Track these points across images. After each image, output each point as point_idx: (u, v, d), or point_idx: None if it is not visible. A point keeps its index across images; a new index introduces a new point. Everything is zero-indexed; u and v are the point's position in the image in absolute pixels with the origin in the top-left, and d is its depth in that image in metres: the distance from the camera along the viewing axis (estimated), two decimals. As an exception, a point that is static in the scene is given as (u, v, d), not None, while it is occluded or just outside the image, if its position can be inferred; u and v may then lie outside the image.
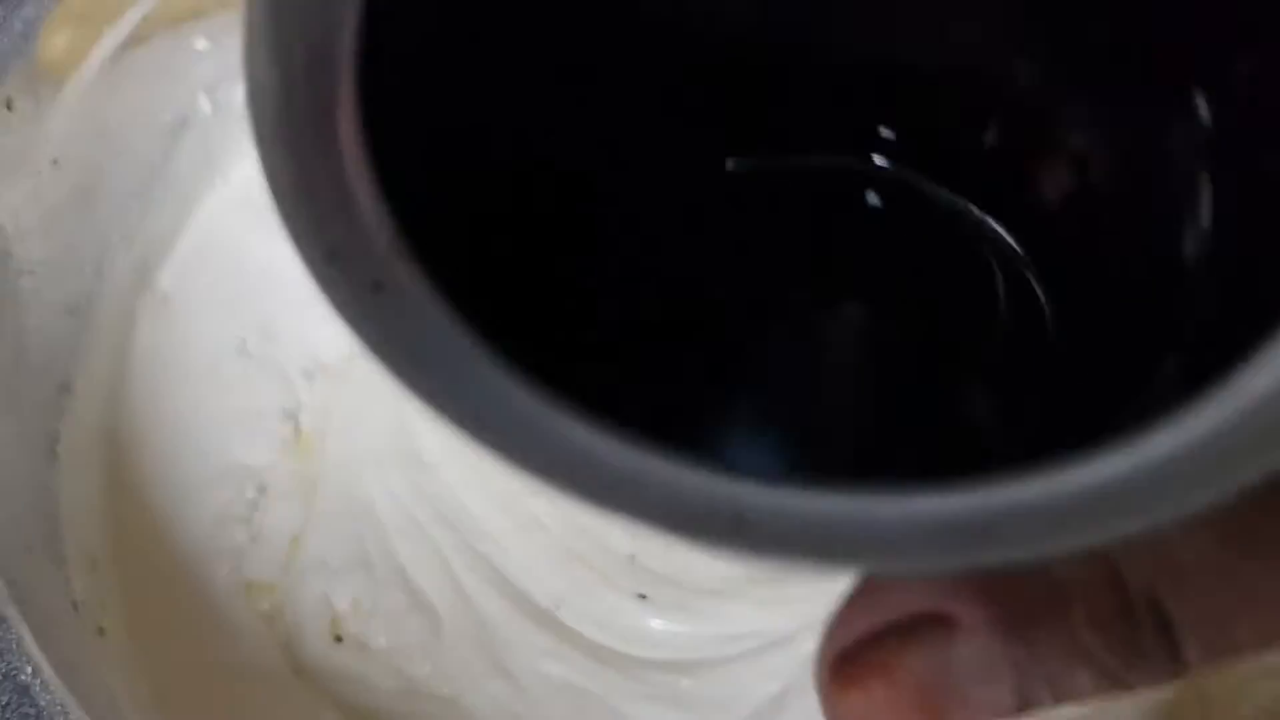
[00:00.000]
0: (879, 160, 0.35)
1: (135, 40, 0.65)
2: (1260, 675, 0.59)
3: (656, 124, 0.34)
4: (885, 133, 0.35)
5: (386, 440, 0.67)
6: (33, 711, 0.48)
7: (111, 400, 0.66)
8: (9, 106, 0.61)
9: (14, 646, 0.49)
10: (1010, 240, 0.34)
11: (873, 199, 0.35)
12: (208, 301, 0.70)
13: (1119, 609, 0.27)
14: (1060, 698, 0.28)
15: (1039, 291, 0.34)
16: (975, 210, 0.35)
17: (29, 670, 0.49)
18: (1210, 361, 0.22)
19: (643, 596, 0.63)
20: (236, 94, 0.73)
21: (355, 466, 0.66)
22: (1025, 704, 0.28)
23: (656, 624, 0.62)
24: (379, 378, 0.69)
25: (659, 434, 0.22)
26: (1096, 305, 0.33)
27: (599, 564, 0.64)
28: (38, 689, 0.49)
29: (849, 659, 0.30)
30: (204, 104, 0.71)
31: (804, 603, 0.63)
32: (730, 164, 0.36)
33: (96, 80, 0.63)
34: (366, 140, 0.25)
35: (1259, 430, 0.20)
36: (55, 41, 0.62)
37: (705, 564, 0.64)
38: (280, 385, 0.68)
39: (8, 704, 0.48)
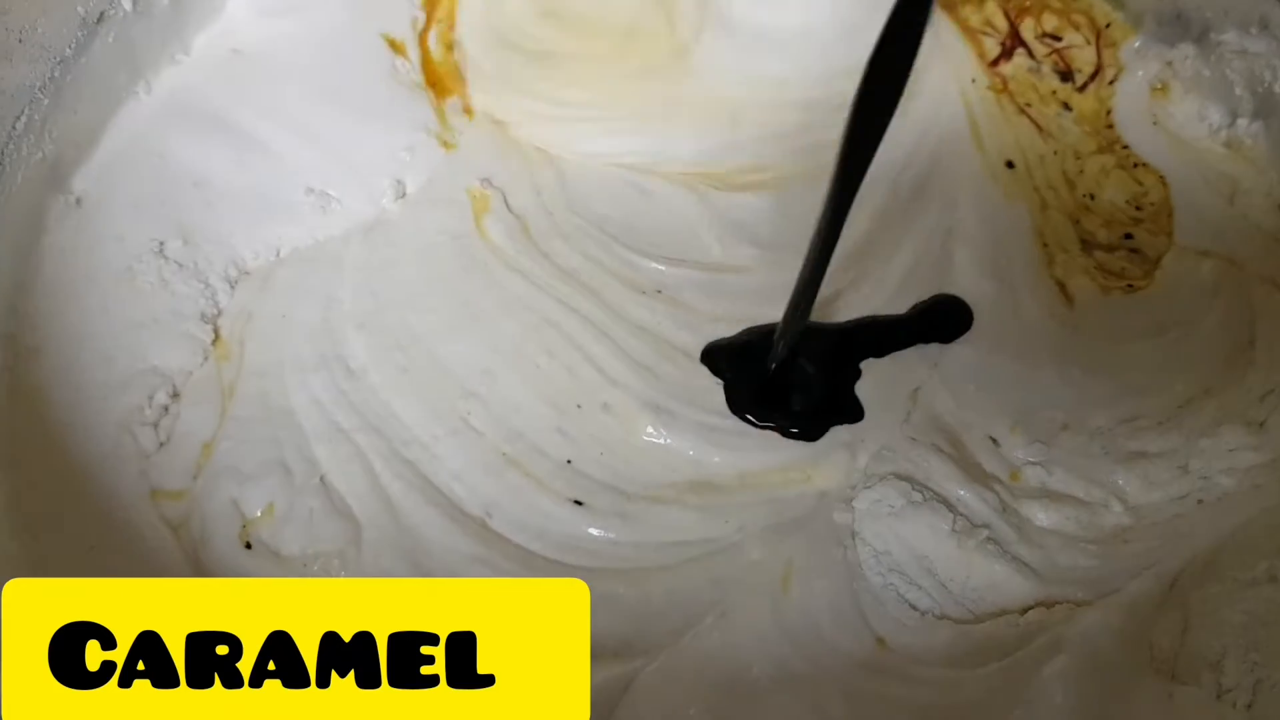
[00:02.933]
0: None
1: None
2: (1249, 583, 0.55)
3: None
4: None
5: (311, 347, 0.63)
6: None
7: (12, 305, 0.62)
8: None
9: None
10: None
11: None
12: (125, 205, 0.66)
13: None
14: None
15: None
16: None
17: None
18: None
19: (579, 503, 0.59)
20: (165, -5, 0.70)
21: (275, 372, 0.62)
22: None
23: (594, 532, 0.58)
24: (306, 283, 0.66)
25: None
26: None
27: (534, 469, 0.60)
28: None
29: None
30: (124, 1, 0.67)
31: (745, 509, 0.59)
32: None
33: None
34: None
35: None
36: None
37: (645, 470, 0.60)
38: (200, 290, 0.64)
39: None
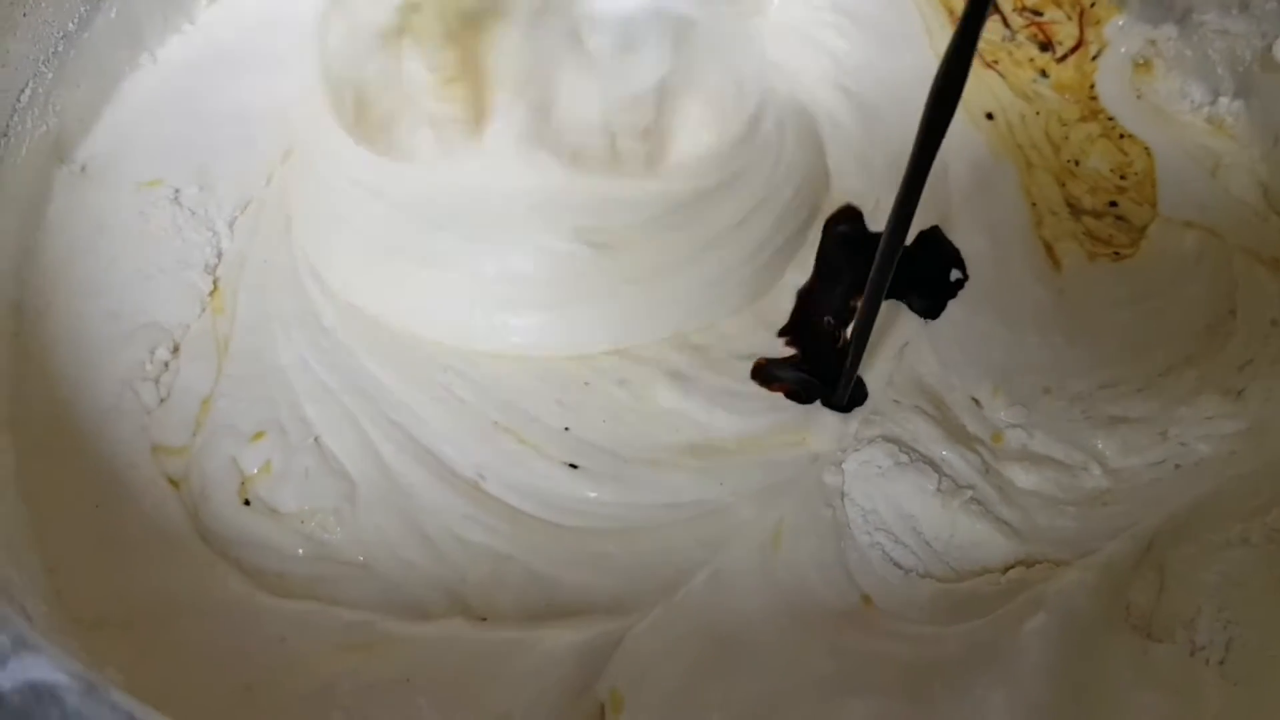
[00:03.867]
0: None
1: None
2: (1223, 545, 0.57)
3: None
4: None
5: (289, 299, 0.65)
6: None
7: (19, 273, 0.63)
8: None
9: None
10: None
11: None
12: (138, 157, 0.68)
13: None
14: None
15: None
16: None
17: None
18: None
19: (574, 466, 0.60)
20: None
21: (265, 327, 0.64)
22: None
23: (591, 494, 0.59)
24: (282, 227, 0.65)
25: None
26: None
27: (529, 436, 0.61)
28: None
29: None
30: (126, -28, 0.69)
31: (739, 472, 0.61)
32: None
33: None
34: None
35: None
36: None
37: (645, 434, 0.61)
38: (208, 238, 0.66)
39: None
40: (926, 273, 0.69)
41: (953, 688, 0.53)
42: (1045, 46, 0.80)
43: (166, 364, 0.61)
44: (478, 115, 0.63)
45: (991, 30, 0.80)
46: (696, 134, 0.66)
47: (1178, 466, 0.62)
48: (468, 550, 0.57)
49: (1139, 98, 0.77)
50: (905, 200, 0.52)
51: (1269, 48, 0.71)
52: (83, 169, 0.67)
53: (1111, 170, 0.74)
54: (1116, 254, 0.71)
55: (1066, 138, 0.76)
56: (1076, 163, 0.75)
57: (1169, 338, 0.66)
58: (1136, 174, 0.74)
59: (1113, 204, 0.73)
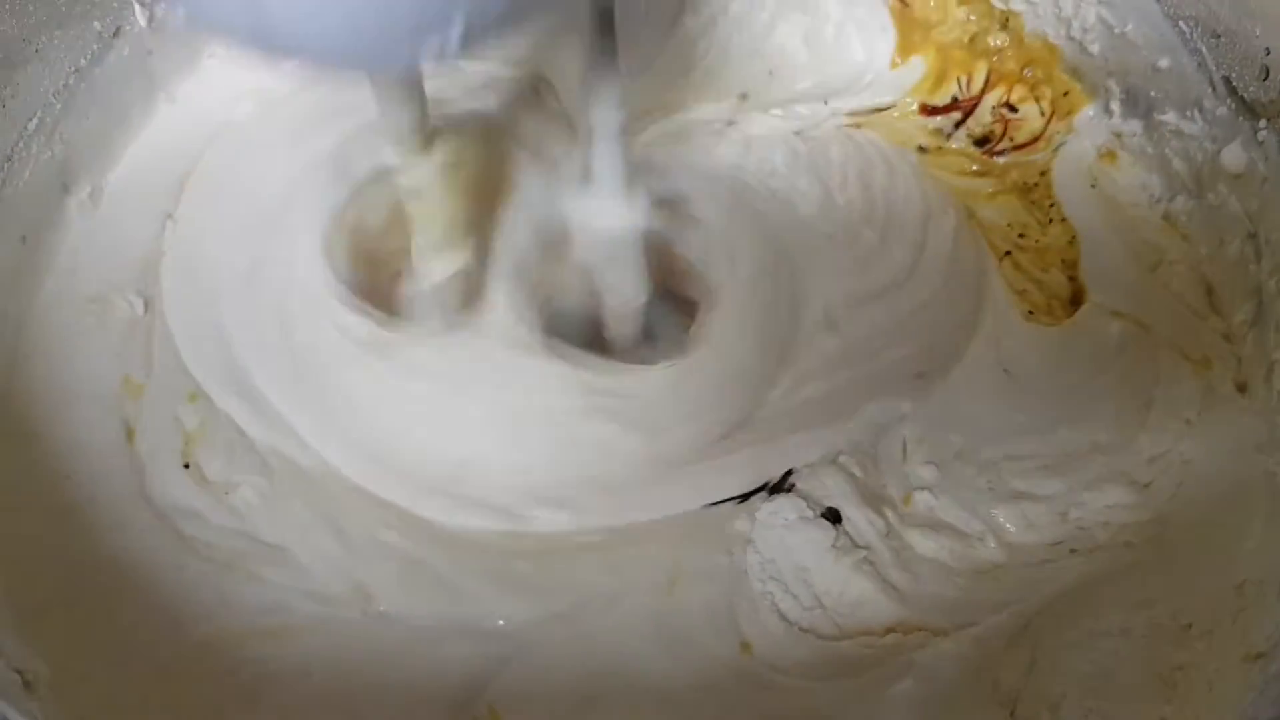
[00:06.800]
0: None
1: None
2: (1102, 633, 0.59)
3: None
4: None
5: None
6: None
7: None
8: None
9: None
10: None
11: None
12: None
13: None
14: None
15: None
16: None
17: None
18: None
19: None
20: (176, 11, 0.76)
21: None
22: None
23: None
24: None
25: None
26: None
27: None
28: None
29: None
30: (140, 16, 0.74)
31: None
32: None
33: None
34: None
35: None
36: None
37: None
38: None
39: None
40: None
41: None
42: (982, 142, 0.82)
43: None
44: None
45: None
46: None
47: (1073, 551, 0.63)
48: (379, 548, 0.62)
49: (1093, 187, 0.79)
50: None
51: (1218, 153, 0.73)
52: (90, 197, 0.74)
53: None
54: (1051, 318, 0.73)
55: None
56: (1021, 235, 0.78)
57: (1083, 420, 0.68)
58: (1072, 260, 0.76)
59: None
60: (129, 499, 0.63)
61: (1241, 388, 0.70)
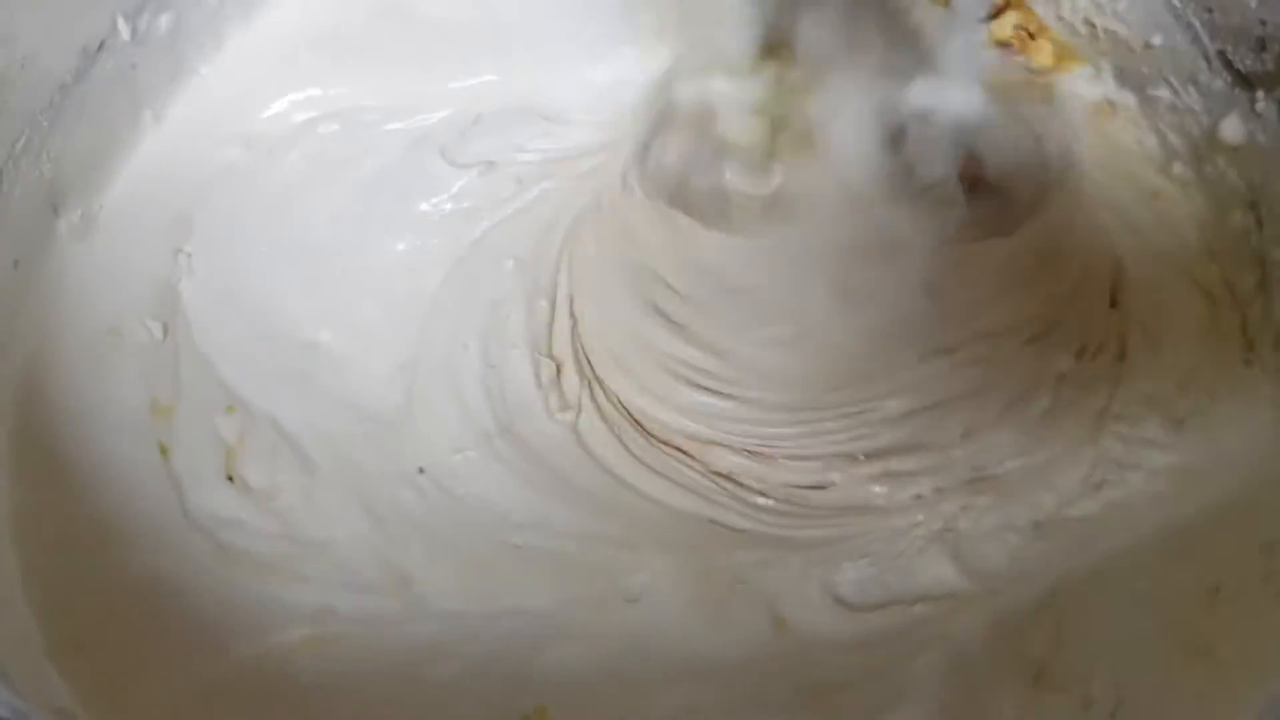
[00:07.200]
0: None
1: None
2: (1128, 602, 0.59)
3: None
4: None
5: None
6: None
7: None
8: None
9: None
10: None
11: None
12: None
13: None
14: None
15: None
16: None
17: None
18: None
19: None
20: (161, 22, 0.75)
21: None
22: None
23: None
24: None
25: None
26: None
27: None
28: None
29: None
30: (123, 29, 0.72)
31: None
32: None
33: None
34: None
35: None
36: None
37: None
38: None
39: None
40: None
41: (853, 712, 0.56)
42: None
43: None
44: None
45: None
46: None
47: (1107, 507, 0.64)
48: (414, 528, 0.62)
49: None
50: None
51: (1215, 126, 0.73)
52: (81, 219, 0.72)
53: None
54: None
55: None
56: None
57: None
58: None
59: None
60: (168, 519, 0.63)
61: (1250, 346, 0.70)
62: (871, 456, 0.65)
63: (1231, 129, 0.72)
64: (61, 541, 0.60)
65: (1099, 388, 0.68)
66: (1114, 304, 0.72)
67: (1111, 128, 0.81)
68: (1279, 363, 0.69)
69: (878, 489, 0.64)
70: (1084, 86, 0.82)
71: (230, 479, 0.64)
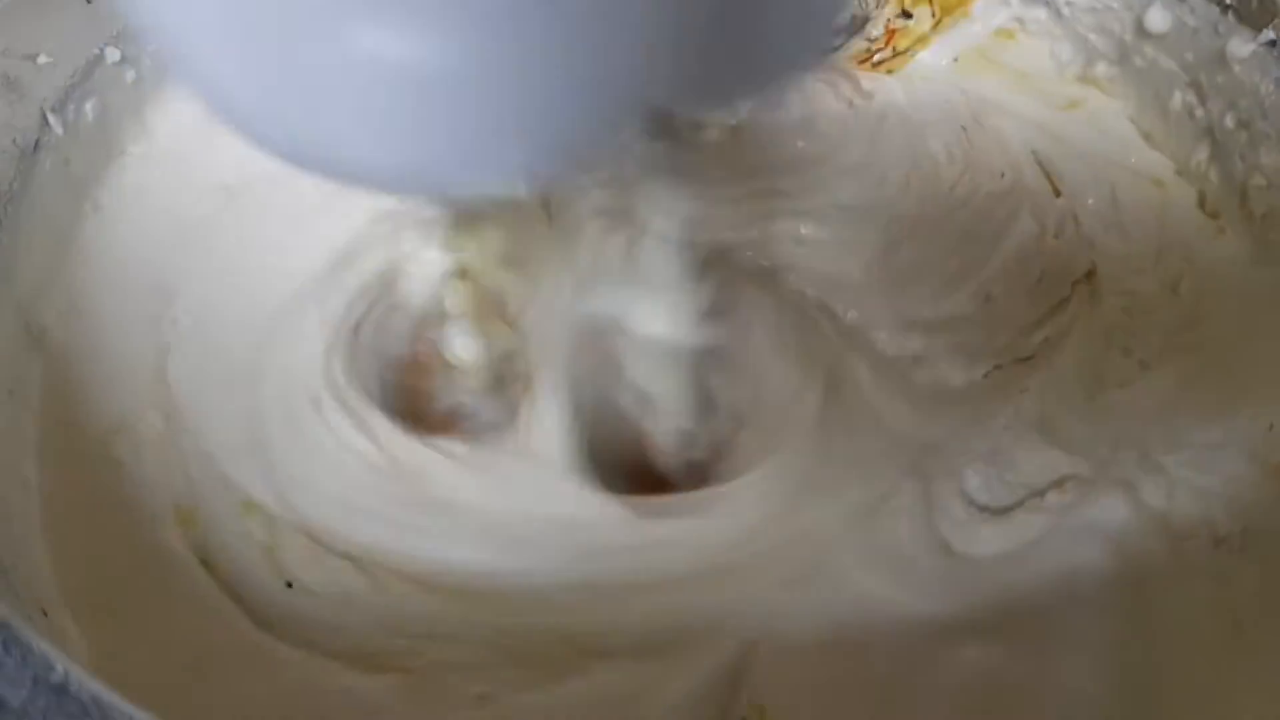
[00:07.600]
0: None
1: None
2: (1213, 446, 0.64)
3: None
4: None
5: None
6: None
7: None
8: None
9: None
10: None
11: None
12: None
13: None
14: None
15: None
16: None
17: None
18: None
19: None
20: (87, 109, 0.69)
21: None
22: None
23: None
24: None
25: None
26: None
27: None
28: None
29: None
30: (55, 124, 0.67)
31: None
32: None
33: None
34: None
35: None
36: None
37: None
38: None
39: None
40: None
41: (1035, 627, 0.57)
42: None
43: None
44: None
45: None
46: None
47: None
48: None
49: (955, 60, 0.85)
50: None
51: (1139, 19, 0.79)
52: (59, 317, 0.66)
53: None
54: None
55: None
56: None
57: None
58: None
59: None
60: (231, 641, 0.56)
61: (1214, 215, 0.76)
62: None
63: (1157, 19, 0.77)
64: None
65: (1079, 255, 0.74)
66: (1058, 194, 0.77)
67: (1012, 54, 0.85)
68: (1249, 224, 0.74)
69: None
70: (986, 13, 0.86)
71: (290, 585, 0.58)
